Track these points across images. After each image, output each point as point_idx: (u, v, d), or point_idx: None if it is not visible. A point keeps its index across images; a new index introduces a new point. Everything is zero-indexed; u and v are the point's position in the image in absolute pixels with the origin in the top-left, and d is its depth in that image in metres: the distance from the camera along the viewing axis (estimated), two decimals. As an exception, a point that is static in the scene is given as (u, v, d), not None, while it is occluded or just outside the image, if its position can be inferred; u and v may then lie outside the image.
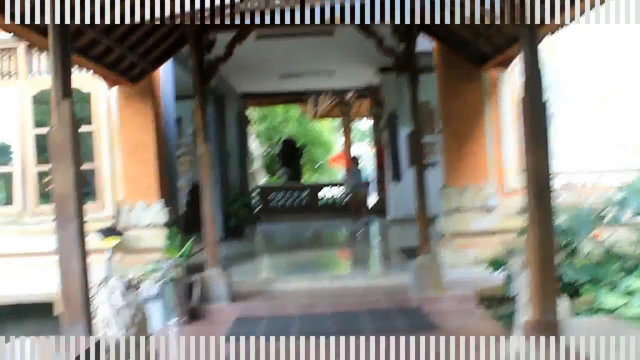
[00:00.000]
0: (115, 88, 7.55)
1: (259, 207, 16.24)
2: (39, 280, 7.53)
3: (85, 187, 9.46)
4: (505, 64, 7.22)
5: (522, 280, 4.37)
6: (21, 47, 7.90)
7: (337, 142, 33.38)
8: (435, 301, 6.51)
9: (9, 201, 8.04)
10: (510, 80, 7.78)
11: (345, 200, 17.16)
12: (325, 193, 18.07)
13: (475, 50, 7.07)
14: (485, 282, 7.00)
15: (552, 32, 5.25)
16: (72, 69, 7.09)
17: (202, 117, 7.05)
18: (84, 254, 3.79)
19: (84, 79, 7.60)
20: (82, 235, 3.82)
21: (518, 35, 4.16)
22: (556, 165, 7.46)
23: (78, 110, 8.78)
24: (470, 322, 5.91)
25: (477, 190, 7.56)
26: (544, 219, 3.90)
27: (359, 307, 6.44)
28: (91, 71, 6.65)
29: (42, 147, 8.38)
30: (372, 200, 16.37)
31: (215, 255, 6.81)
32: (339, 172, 27.69)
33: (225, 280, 6.67)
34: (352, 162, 14.68)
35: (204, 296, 6.58)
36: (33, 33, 4.80)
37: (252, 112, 23.91)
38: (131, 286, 4.38)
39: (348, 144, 21.65)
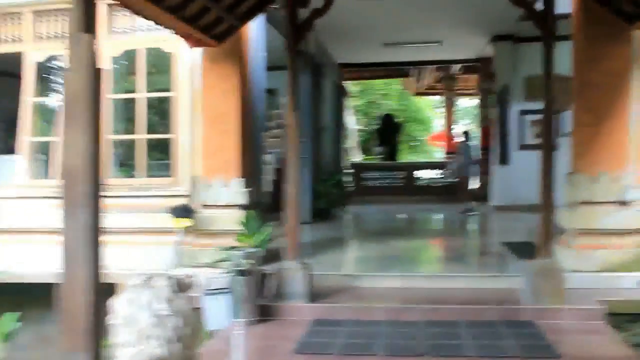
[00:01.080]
0: (200, 50, 6.83)
1: (352, 187, 15.31)
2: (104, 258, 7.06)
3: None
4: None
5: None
6: (28, 10, 7.44)
7: (437, 120, 31.80)
8: (553, 315, 5.35)
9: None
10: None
11: (450, 180, 15.81)
12: (424, 174, 16.81)
13: (629, 2, 5.63)
14: (614, 293, 5.79)
15: None
16: (154, 26, 6.69)
17: (293, 80, 6.05)
18: (96, 255, 2.84)
19: (165, 38, 6.99)
20: (95, 228, 2.86)
21: None
22: None
23: (159, 78, 8.44)
24: (600, 348, 4.72)
25: (612, 179, 6.18)
26: None
27: (458, 316, 5.39)
28: (172, 30, 6.00)
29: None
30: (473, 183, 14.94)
31: (295, 244, 5.94)
32: (438, 152, 26.21)
33: (305, 273, 5.78)
34: (463, 137, 12.96)
35: (279, 292, 5.74)
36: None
37: (351, 86, 22.93)
38: (183, 287, 3.58)
39: (450, 122, 20.31)
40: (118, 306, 3.45)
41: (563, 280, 5.48)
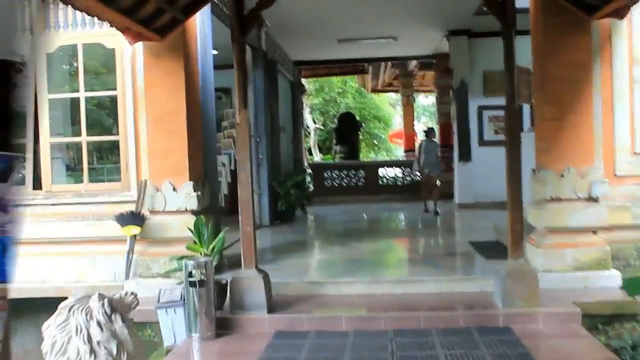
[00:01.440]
0: (142, 44, 6.33)
1: (312, 187, 14.95)
2: (52, 271, 6.53)
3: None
4: (622, 12, 5.52)
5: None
6: (35, -3, 6.82)
7: (396, 117, 31.75)
8: (528, 319, 5.08)
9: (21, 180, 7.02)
10: (628, 33, 6.16)
11: (412, 179, 15.52)
12: (385, 172, 16.53)
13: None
14: (587, 293, 5.58)
15: None
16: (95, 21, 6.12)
17: (241, 74, 5.50)
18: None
19: (107, 33, 6.51)
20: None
21: None
22: None
23: (108, 77, 7.90)
24: (580, 354, 4.45)
25: (579, 174, 5.97)
26: None
27: (429, 323, 5.06)
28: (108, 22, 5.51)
29: (58, 116, 7.38)
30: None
31: (252, 251, 5.49)
32: (399, 149, 26.08)
33: (264, 282, 5.37)
34: (427, 134, 12.33)
35: (236, 303, 5.31)
36: None
37: (307, 84, 22.57)
38: (122, 307, 3.15)
39: (410, 119, 20.14)
40: (46, 333, 3.01)
41: (537, 282, 5.22)
